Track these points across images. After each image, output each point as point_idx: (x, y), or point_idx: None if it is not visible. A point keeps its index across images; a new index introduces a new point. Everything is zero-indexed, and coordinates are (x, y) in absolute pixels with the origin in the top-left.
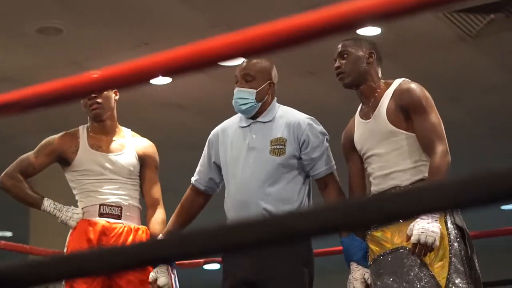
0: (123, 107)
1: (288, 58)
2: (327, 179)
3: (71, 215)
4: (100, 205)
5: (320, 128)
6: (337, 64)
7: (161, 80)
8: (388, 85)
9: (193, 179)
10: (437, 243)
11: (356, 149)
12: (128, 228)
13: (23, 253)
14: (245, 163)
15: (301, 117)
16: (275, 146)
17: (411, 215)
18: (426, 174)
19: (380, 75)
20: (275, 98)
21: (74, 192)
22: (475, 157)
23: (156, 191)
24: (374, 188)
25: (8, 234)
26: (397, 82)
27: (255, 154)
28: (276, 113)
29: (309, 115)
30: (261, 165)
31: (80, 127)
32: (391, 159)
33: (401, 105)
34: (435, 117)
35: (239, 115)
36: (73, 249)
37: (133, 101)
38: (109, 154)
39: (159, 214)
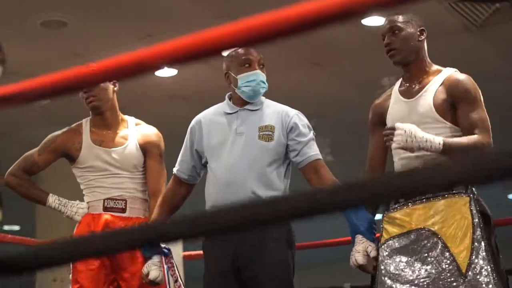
0: (128, 100)
1: (293, 49)
2: (316, 164)
3: (76, 210)
4: (105, 199)
5: (307, 121)
6: (387, 40)
7: (166, 73)
8: (438, 71)
9: (175, 169)
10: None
11: (384, 124)
12: (132, 221)
13: (30, 247)
14: (232, 147)
15: (289, 108)
16: (264, 132)
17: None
18: None
19: (427, 56)
20: None
21: (81, 187)
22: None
23: (158, 181)
24: (399, 168)
25: (16, 228)
26: (448, 71)
27: (243, 138)
28: (263, 103)
29: (313, 105)
30: (249, 149)
31: (83, 121)
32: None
33: (452, 94)
34: (484, 112)
35: (220, 104)
36: None
37: (138, 94)
38: (111, 148)
39: (154, 204)
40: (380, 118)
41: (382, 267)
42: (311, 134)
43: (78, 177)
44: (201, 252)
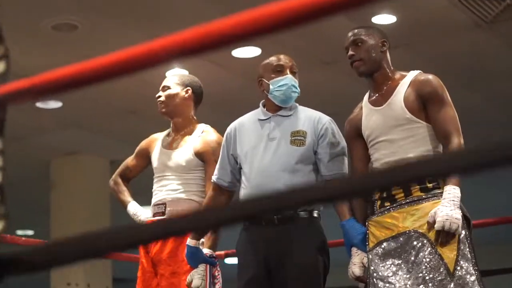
0: (137, 100)
1: (303, 48)
2: None
3: (143, 219)
4: (153, 206)
5: (339, 131)
6: (351, 52)
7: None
8: (403, 76)
9: (214, 177)
10: (460, 230)
11: (361, 136)
12: None
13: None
14: (264, 152)
15: (322, 114)
16: (296, 137)
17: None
18: None
19: (390, 64)
20: None
21: None
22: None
23: (209, 187)
24: None
25: (30, 232)
26: (413, 73)
27: (275, 143)
28: (296, 109)
29: (324, 105)
30: (280, 154)
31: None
32: (404, 145)
33: (420, 94)
34: (452, 110)
35: (255, 111)
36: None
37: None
38: (170, 151)
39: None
40: (357, 131)
41: (373, 271)
42: (342, 146)
43: None
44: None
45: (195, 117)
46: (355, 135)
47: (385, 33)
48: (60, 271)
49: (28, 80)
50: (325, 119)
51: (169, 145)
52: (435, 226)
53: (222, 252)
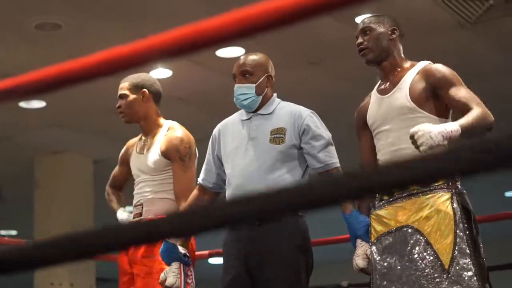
0: None
1: (289, 48)
2: (333, 172)
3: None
4: (133, 207)
5: (322, 122)
6: (359, 40)
7: (161, 74)
8: (413, 65)
9: (199, 178)
10: (426, 148)
11: (368, 125)
12: None
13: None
14: (245, 152)
15: (302, 109)
16: (275, 135)
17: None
18: None
19: (402, 52)
20: (275, 93)
21: None
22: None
23: (179, 184)
24: None
25: (13, 232)
26: (422, 63)
27: (255, 143)
28: (276, 106)
29: (311, 105)
30: (260, 153)
31: None
32: (402, 136)
33: (430, 82)
34: (466, 89)
35: (239, 112)
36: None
37: None
38: (142, 154)
39: (180, 207)
40: (363, 120)
41: (375, 265)
42: (327, 137)
43: None
44: (198, 253)
45: (159, 115)
46: (362, 125)
47: (397, 22)
48: (44, 270)
49: (12, 79)
50: (306, 113)
51: (141, 149)
52: (410, 130)
53: (206, 252)
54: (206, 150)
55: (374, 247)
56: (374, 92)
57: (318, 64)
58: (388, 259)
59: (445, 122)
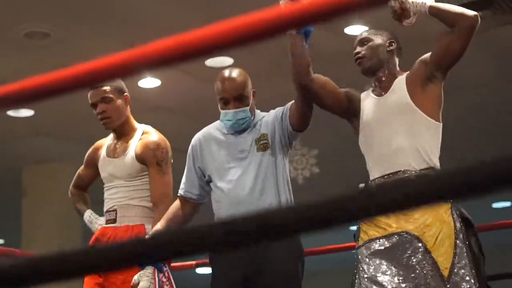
0: None
1: (276, 57)
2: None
3: (97, 226)
4: (105, 213)
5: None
6: (356, 50)
7: (149, 84)
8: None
9: (180, 191)
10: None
11: (349, 100)
12: (119, 230)
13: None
14: (236, 165)
15: (273, 110)
16: (260, 143)
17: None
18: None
19: (397, 66)
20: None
21: None
22: (468, 151)
23: (157, 189)
24: (377, 168)
25: (0, 241)
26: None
27: (245, 155)
28: (260, 118)
29: None
30: (252, 164)
31: (111, 134)
32: (399, 134)
33: (419, 71)
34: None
35: (218, 123)
36: None
37: None
38: (115, 159)
39: (158, 212)
40: (349, 95)
41: (360, 270)
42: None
43: None
44: (185, 263)
45: (132, 118)
46: (346, 93)
47: (396, 36)
48: None
49: (0, 88)
50: (276, 109)
51: (113, 153)
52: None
53: (193, 262)
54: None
55: (361, 251)
56: (367, 95)
57: None
58: (381, 263)
59: (438, 125)
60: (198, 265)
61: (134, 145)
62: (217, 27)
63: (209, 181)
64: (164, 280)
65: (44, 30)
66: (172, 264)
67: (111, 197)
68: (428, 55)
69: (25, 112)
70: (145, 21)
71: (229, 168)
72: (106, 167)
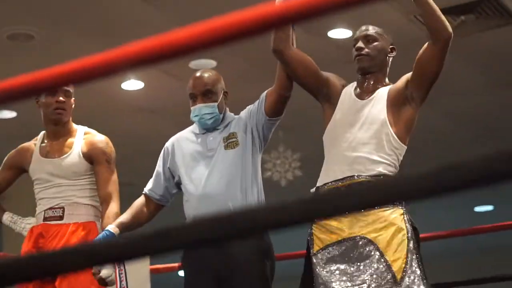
0: (95, 113)
1: (259, 60)
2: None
3: (24, 225)
4: (45, 210)
5: None
6: (360, 44)
7: (133, 86)
8: (388, 84)
9: (145, 189)
10: None
11: (332, 85)
12: (68, 227)
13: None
14: (204, 164)
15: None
16: (228, 141)
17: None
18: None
19: (387, 74)
20: (227, 108)
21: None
22: (450, 159)
23: (107, 186)
24: (336, 169)
25: None
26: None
27: (213, 154)
28: (231, 120)
29: (283, 118)
30: (220, 162)
31: (40, 134)
32: (364, 145)
33: (400, 87)
34: None
35: (192, 126)
36: None
37: (105, 107)
38: (55, 159)
39: (111, 208)
40: (335, 84)
41: (317, 276)
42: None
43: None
44: (168, 265)
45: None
46: (328, 78)
47: (392, 39)
48: None
49: None
50: (245, 108)
51: (51, 154)
52: None
53: (176, 265)
54: None
55: (317, 256)
56: (350, 91)
57: None
58: (337, 268)
59: (403, 148)
60: (180, 268)
61: (79, 144)
62: (199, 27)
63: (179, 183)
64: (120, 271)
65: (28, 32)
66: (155, 267)
67: (55, 196)
68: (410, 74)
69: (7, 114)
70: (128, 25)
71: (197, 167)
72: (43, 168)
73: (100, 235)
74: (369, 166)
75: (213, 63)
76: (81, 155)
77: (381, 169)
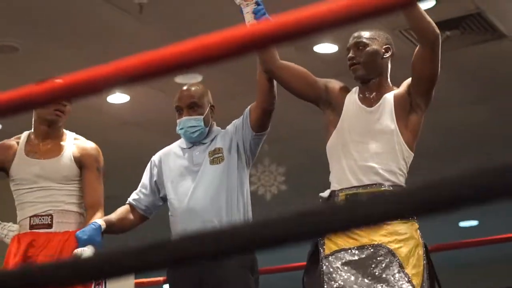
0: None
1: (246, 75)
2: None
3: (6, 232)
4: (31, 217)
5: None
6: (351, 54)
7: (118, 99)
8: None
9: (130, 199)
10: None
11: (325, 90)
12: (58, 237)
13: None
14: (189, 178)
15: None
16: (214, 156)
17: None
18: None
19: (389, 73)
20: (214, 122)
21: (15, 204)
22: (435, 172)
23: (95, 193)
24: (350, 178)
25: None
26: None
27: (198, 169)
28: (217, 134)
29: (270, 131)
30: (204, 177)
31: (23, 133)
32: (381, 155)
33: (404, 94)
34: None
35: (179, 140)
36: (2, 267)
37: (91, 120)
38: (43, 160)
39: (97, 216)
40: (334, 90)
41: (328, 279)
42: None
43: (13, 192)
44: (153, 279)
45: None
46: (326, 84)
47: (391, 39)
48: None
49: None
50: (232, 123)
51: (38, 154)
52: None
53: (161, 278)
54: None
55: (329, 259)
56: (355, 99)
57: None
58: (353, 274)
59: (411, 156)
60: (165, 282)
61: (70, 148)
62: (185, 44)
63: (165, 197)
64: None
65: (13, 44)
66: (140, 281)
67: (41, 201)
68: (410, 80)
69: None
70: (115, 36)
71: (183, 181)
72: (28, 168)
73: (87, 227)
74: (387, 176)
75: (199, 77)
76: (72, 159)
77: (396, 179)
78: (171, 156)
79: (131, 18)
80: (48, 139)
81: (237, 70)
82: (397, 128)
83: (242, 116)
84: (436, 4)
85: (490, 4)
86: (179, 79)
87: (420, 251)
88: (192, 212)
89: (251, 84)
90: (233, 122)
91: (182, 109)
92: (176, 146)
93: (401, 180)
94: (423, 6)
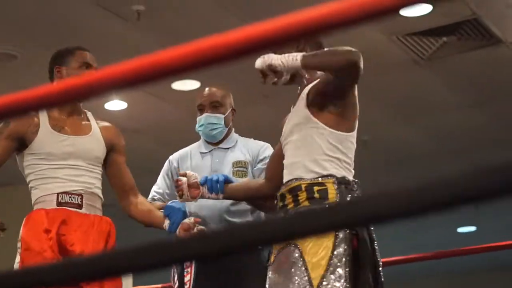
0: None
1: (243, 81)
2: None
3: None
4: (59, 193)
5: None
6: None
7: (116, 106)
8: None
9: (154, 197)
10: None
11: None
12: (89, 219)
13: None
14: None
15: (260, 143)
16: (238, 168)
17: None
18: (331, 171)
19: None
20: (233, 128)
21: (28, 178)
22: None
23: (129, 177)
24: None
25: None
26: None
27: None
28: (236, 140)
29: (265, 137)
30: None
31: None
32: (300, 147)
33: (318, 84)
34: None
35: (196, 143)
36: (30, 243)
37: None
38: (73, 136)
39: (140, 198)
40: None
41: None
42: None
43: (26, 166)
44: (151, 286)
45: None
46: (277, 151)
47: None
48: None
49: None
50: (264, 145)
51: (65, 130)
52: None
53: (159, 285)
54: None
55: (270, 267)
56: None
57: (271, 97)
58: (271, 275)
59: (345, 136)
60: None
61: (96, 127)
62: (181, 49)
63: None
64: None
65: (11, 52)
66: None
67: (72, 179)
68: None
69: None
70: (112, 43)
71: None
72: (57, 143)
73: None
74: (311, 167)
75: (196, 84)
76: (102, 140)
77: (322, 169)
78: (189, 160)
79: (129, 26)
80: (74, 114)
81: (235, 76)
82: (310, 114)
83: (264, 159)
84: (432, 10)
85: (486, 10)
86: (176, 85)
87: (329, 241)
88: (210, 219)
89: (249, 90)
90: (262, 147)
91: (204, 107)
92: (194, 149)
93: (332, 167)
94: (419, 12)
